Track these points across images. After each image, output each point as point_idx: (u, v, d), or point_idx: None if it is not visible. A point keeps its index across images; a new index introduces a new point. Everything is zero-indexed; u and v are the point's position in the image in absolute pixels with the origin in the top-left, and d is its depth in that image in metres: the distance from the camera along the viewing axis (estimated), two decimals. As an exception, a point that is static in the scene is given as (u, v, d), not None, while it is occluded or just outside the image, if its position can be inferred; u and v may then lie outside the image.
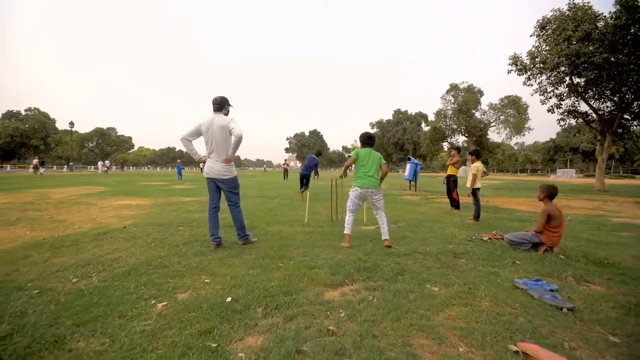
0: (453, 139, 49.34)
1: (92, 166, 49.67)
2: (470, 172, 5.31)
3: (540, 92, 13.93)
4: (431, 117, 56.26)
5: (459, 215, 5.97)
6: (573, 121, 15.05)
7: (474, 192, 5.22)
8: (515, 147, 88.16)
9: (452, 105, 45.68)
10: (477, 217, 5.14)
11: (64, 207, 6.29)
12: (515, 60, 14.14)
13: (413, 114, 74.66)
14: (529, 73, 14.04)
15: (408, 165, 12.02)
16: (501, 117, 41.87)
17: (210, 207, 3.47)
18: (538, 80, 13.90)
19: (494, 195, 10.77)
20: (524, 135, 40.26)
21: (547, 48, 13.28)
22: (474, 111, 43.39)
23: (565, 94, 13.49)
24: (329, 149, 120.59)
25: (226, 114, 3.48)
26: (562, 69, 12.79)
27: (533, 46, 13.73)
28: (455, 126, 45.55)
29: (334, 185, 5.67)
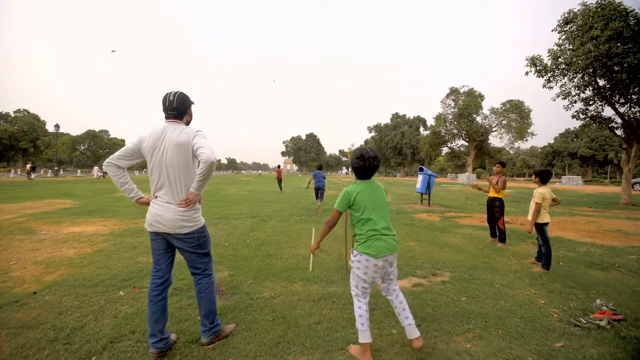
0: (453, 144, 48.30)
1: (80, 170, 47.74)
2: (532, 201, 3.92)
3: (563, 96, 12.66)
4: (430, 122, 55.26)
5: (511, 253, 4.56)
6: (595, 127, 13.75)
7: (541, 228, 3.81)
8: (512, 152, 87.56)
9: (453, 110, 44.62)
10: (547, 264, 3.72)
11: (-9, 240, 4.79)
12: (534, 61, 12.87)
13: (411, 118, 73.70)
14: (549, 74, 12.76)
15: (420, 177, 10.63)
16: (503, 121, 40.85)
17: (154, 283, 2.02)
18: (560, 83, 12.60)
19: (520, 212, 9.41)
20: (526, 140, 39.20)
21: (571, 47, 12.06)
22: (475, 116, 42.34)
23: (591, 99, 12.22)
24: (325, 152, 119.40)
25: (188, 123, 2.07)
26: (590, 70, 11.53)
27: (555, 44, 12.48)
28: (455, 131, 44.47)
29: (345, 216, 4.21)
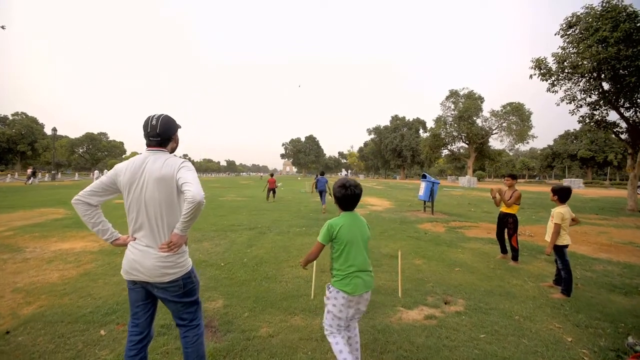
0: (453, 146, 48.09)
1: (78, 174, 47.40)
2: (550, 221, 3.64)
3: (569, 100, 12.42)
4: (430, 124, 55.09)
5: (525, 273, 4.28)
6: (601, 132, 13.51)
7: (561, 251, 3.53)
8: (511, 153, 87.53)
9: (453, 112, 44.45)
10: (567, 290, 3.44)
11: (-29, 259, 4.50)
12: (539, 64, 12.65)
13: (411, 120, 73.53)
14: (553, 78, 12.53)
15: (423, 184, 10.36)
16: (503, 124, 40.66)
17: (131, 341, 1.73)
18: (565, 87, 12.37)
19: (528, 221, 9.14)
20: (527, 143, 39.01)
21: (575, 50, 11.84)
22: (475, 118, 42.17)
23: (598, 103, 11.98)
24: (325, 154, 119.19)
25: (173, 150, 1.80)
26: (595, 74, 11.30)
27: (560, 47, 12.26)
28: (455, 133, 44.29)
29: None
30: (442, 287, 3.68)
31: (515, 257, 4.72)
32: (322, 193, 11.18)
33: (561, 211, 3.51)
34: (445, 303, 3.27)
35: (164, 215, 1.62)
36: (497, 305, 3.22)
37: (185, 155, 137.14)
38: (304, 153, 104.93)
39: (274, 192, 14.59)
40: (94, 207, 1.63)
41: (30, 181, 25.87)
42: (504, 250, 5.02)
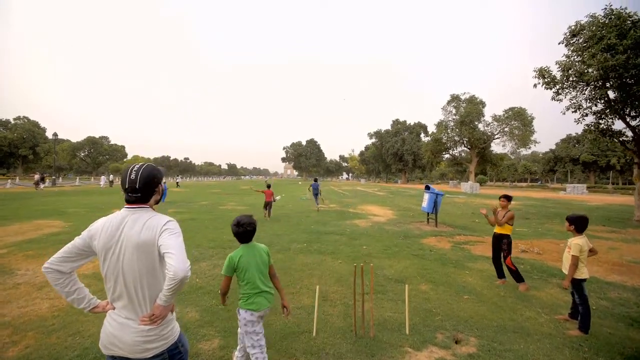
0: (455, 151, 47.92)
1: (79, 178, 47.37)
2: (567, 252, 3.45)
3: (574, 108, 12.25)
4: (431, 128, 54.92)
5: (538, 302, 4.07)
6: (607, 140, 13.32)
7: (579, 285, 3.33)
8: (512, 157, 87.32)
9: (454, 117, 44.34)
10: (585, 327, 3.24)
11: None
12: (543, 73, 12.49)
13: (412, 124, 73.43)
14: (558, 87, 12.37)
15: (426, 196, 10.17)
16: (505, 129, 40.49)
17: None
18: (570, 95, 12.20)
19: (534, 235, 8.93)
20: (529, 148, 38.81)
21: (579, 59, 11.69)
22: (476, 123, 42.02)
23: (603, 112, 11.80)
24: (326, 158, 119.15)
25: (157, 202, 1.61)
26: (600, 83, 11.13)
27: (564, 55, 12.11)
28: (457, 138, 44.14)
29: (357, 272, 3.79)
30: (451, 321, 3.48)
31: (518, 279, 4.53)
32: (316, 196, 14.64)
33: (579, 242, 3.31)
34: (456, 342, 3.07)
35: (145, 286, 1.44)
36: (512, 345, 3.02)
37: (186, 159, 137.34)
38: (305, 157, 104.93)
39: (270, 208, 11.37)
40: (67, 275, 1.44)
41: (40, 186, 25.94)
42: (501, 275, 4.83)
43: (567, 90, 12.13)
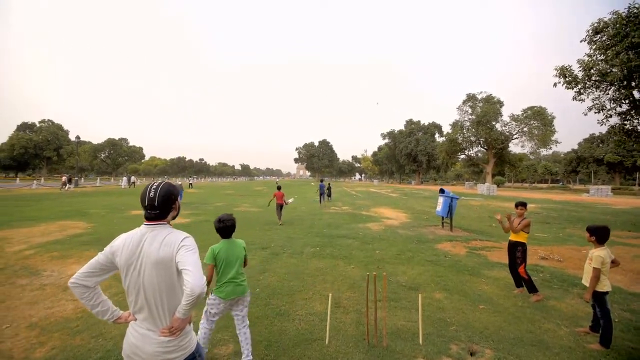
0: (471, 152, 46.94)
1: (100, 179, 49.06)
2: (588, 264, 3.33)
3: (597, 109, 11.79)
4: (446, 129, 53.90)
5: (557, 314, 3.95)
6: (632, 141, 12.75)
7: (601, 298, 3.22)
8: (532, 157, 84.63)
9: (470, 117, 43.45)
10: (607, 341, 3.12)
11: (-8, 285, 4.60)
12: (563, 72, 12.09)
13: (426, 124, 72.37)
14: (580, 86, 11.94)
15: (441, 200, 10.01)
16: (524, 128, 39.34)
17: None
18: (593, 96, 11.76)
19: (555, 241, 8.64)
20: (550, 148, 37.56)
21: (602, 57, 11.25)
22: (494, 123, 41.02)
23: (629, 112, 11.31)
24: (338, 159, 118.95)
25: (174, 217, 1.68)
26: (625, 83, 10.68)
27: (586, 54, 11.68)
28: (473, 138, 43.26)
29: (370, 280, 3.78)
30: (466, 332, 3.43)
31: (531, 289, 4.40)
32: (321, 195, 17.44)
33: (601, 255, 3.20)
34: (471, 354, 3.02)
35: (164, 300, 1.52)
36: (529, 358, 2.95)
37: (201, 160, 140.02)
38: (318, 157, 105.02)
39: (281, 211, 10.98)
40: (92, 289, 1.53)
41: (67, 187, 27.42)
42: (519, 284, 4.69)
43: (589, 90, 11.69)
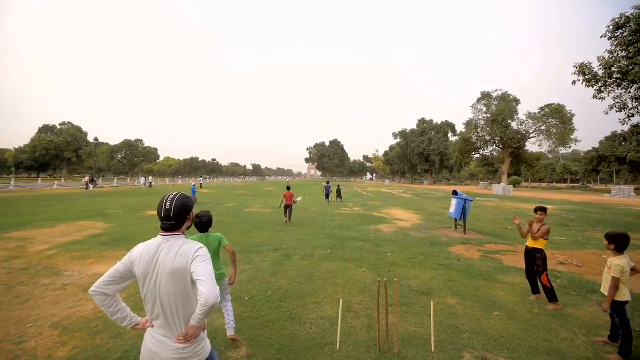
0: (486, 151, 45.97)
1: (117, 179, 50.45)
2: (607, 272, 3.23)
3: (618, 108, 11.36)
4: (459, 128, 52.96)
5: (575, 322, 3.83)
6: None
7: (621, 308, 3.11)
8: (550, 156, 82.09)
9: (485, 115, 42.56)
10: (626, 353, 3.02)
11: (20, 284, 4.81)
12: (583, 69, 11.70)
13: (439, 123, 71.25)
14: (600, 84, 11.53)
15: (454, 202, 9.86)
16: (542, 127, 38.22)
17: None
18: (614, 94, 11.33)
19: (574, 244, 8.38)
20: (569, 147, 36.38)
21: (624, 54, 10.83)
22: (509, 121, 40.03)
23: (653, 111, 10.86)
24: (349, 158, 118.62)
25: (188, 228, 1.75)
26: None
27: (607, 51, 11.26)
28: (488, 137, 42.34)
29: (382, 286, 3.77)
30: (480, 339, 3.38)
31: (552, 299, 4.26)
32: (327, 195, 20.12)
33: (620, 263, 3.09)
34: (486, 364, 2.98)
35: (180, 308, 1.58)
36: (545, 369, 2.88)
37: (213, 160, 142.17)
38: (329, 157, 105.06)
39: (291, 212, 11.22)
40: (112, 296, 1.60)
41: (90, 187, 28.79)
42: (536, 291, 4.56)
43: (610, 89, 11.28)
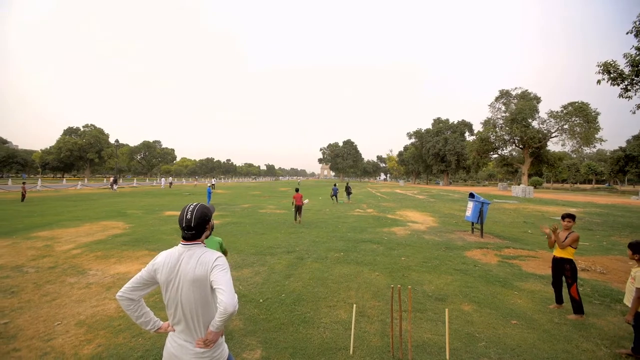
0: (504, 151, 44.73)
1: (136, 179, 52.07)
2: (630, 283, 3.10)
3: (647, 107, 10.84)
4: (477, 127, 51.71)
5: (597, 333, 3.70)
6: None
7: (645, 319, 2.99)
8: (574, 156, 78.89)
9: (504, 114, 41.41)
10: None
11: (48, 282, 5.07)
12: (608, 68, 11.23)
13: (455, 122, 69.87)
14: (626, 82, 11.04)
15: (471, 204, 9.66)
16: (564, 126, 36.83)
17: None
18: (642, 93, 10.82)
19: (598, 250, 8.06)
20: (594, 147, 34.89)
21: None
22: (530, 120, 38.78)
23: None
24: (363, 159, 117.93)
25: (207, 237, 1.84)
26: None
27: (633, 46, 10.77)
28: (507, 137, 41.18)
29: (395, 292, 3.76)
30: (496, 349, 3.31)
31: (578, 310, 4.10)
32: (334, 197, 21.64)
33: (646, 273, 2.97)
34: (502, 374, 2.92)
35: (200, 315, 1.66)
36: (566, 382, 2.80)
37: (228, 160, 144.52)
38: (342, 157, 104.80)
39: (300, 211, 11.87)
40: (136, 301, 1.68)
41: (114, 187, 30.51)
42: (559, 300, 4.40)
43: (637, 87, 10.77)
